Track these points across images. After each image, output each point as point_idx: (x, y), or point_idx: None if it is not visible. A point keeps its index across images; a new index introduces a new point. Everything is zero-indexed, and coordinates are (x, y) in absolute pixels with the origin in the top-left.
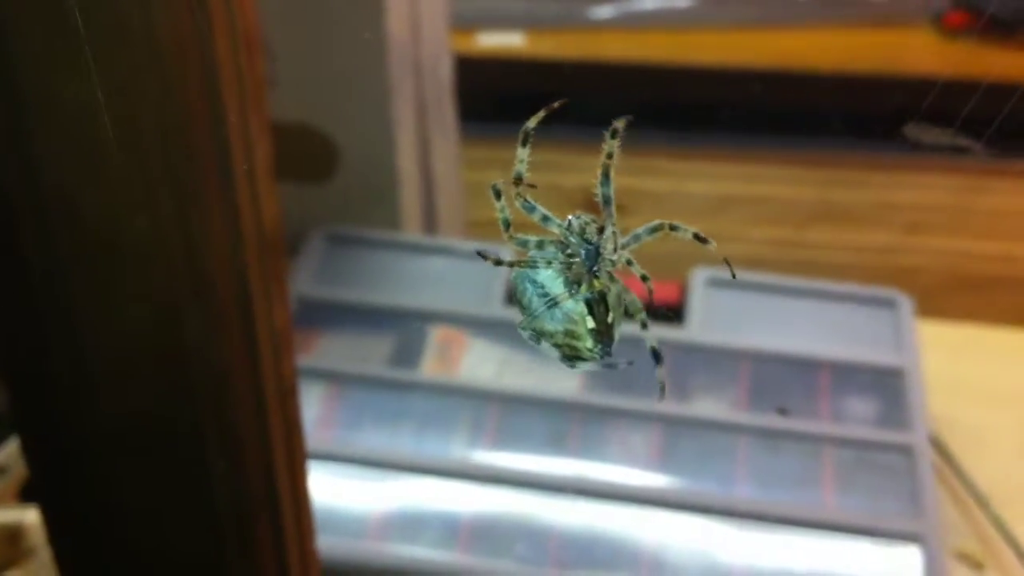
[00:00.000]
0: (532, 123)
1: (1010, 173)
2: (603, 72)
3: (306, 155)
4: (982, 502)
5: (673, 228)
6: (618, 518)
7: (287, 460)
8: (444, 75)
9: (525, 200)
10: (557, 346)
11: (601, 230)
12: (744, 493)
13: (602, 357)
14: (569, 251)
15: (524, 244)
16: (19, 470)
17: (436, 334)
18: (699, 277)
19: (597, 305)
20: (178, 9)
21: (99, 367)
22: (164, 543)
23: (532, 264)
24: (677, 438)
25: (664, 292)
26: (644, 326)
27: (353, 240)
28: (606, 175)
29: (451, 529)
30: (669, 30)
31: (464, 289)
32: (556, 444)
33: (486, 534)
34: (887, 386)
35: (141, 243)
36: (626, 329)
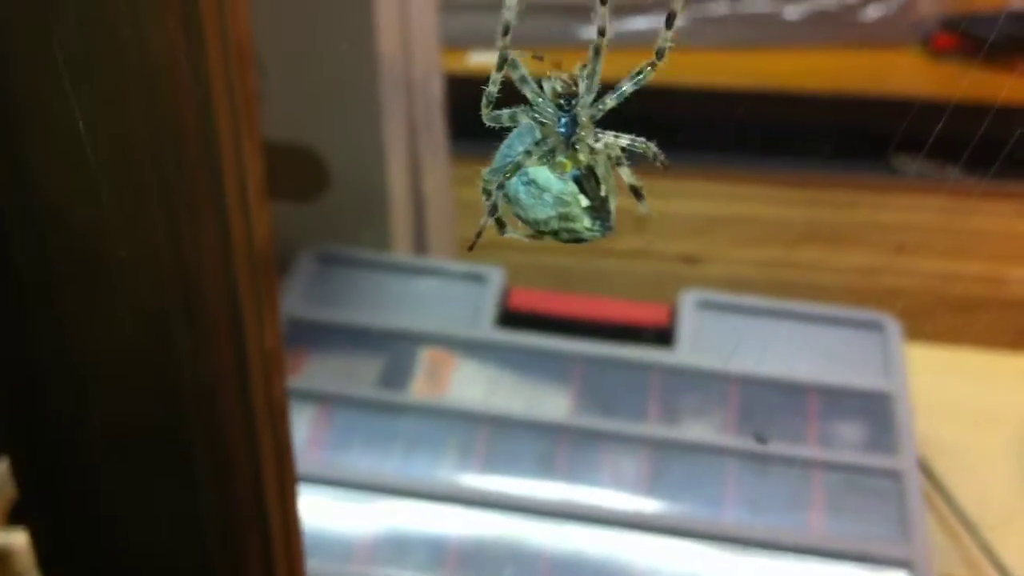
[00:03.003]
0: (510, 17)
1: (996, 194)
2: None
3: (296, 174)
4: (970, 527)
5: (659, 56)
6: (607, 542)
7: (277, 482)
8: (435, 94)
9: (509, 58)
10: (554, 233)
11: (575, 95)
12: (733, 517)
13: (603, 234)
14: (542, 119)
15: (498, 119)
16: (7, 492)
17: (425, 355)
18: (688, 299)
19: (587, 181)
20: (170, 23)
21: (89, 384)
22: (153, 564)
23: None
24: (666, 462)
25: (653, 314)
26: (618, 162)
27: (343, 260)
28: (596, 51)
29: (439, 552)
30: None
31: (454, 310)
32: (545, 467)
33: (474, 558)
34: (875, 410)
35: (132, 259)
36: (612, 352)
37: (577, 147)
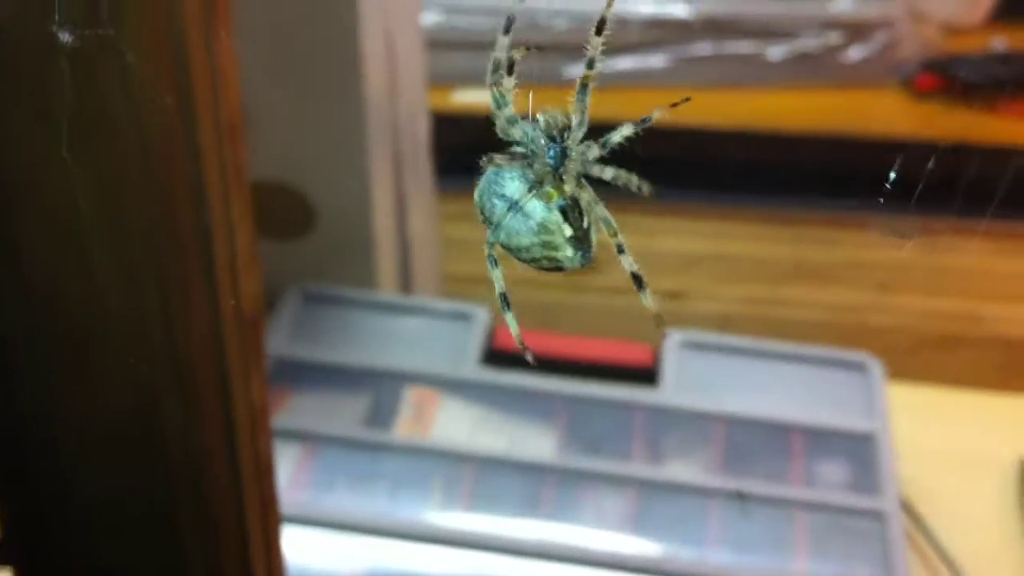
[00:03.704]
0: (517, 56)
1: (978, 233)
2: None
3: (282, 212)
4: (954, 568)
5: (590, 66)
6: None
7: (263, 537)
8: (421, 133)
9: (500, 93)
10: (535, 260)
11: (567, 128)
12: (717, 558)
13: (583, 264)
14: (532, 148)
15: (506, 131)
16: None
17: (410, 394)
18: (673, 339)
19: (572, 211)
20: (164, 99)
21: (77, 449)
22: None
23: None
24: (650, 501)
25: (637, 354)
26: (621, 250)
27: (328, 298)
28: (583, 87)
29: None
30: (643, 89)
31: (439, 348)
32: (530, 507)
33: None
34: (858, 451)
35: (122, 329)
36: (597, 391)
37: (564, 178)
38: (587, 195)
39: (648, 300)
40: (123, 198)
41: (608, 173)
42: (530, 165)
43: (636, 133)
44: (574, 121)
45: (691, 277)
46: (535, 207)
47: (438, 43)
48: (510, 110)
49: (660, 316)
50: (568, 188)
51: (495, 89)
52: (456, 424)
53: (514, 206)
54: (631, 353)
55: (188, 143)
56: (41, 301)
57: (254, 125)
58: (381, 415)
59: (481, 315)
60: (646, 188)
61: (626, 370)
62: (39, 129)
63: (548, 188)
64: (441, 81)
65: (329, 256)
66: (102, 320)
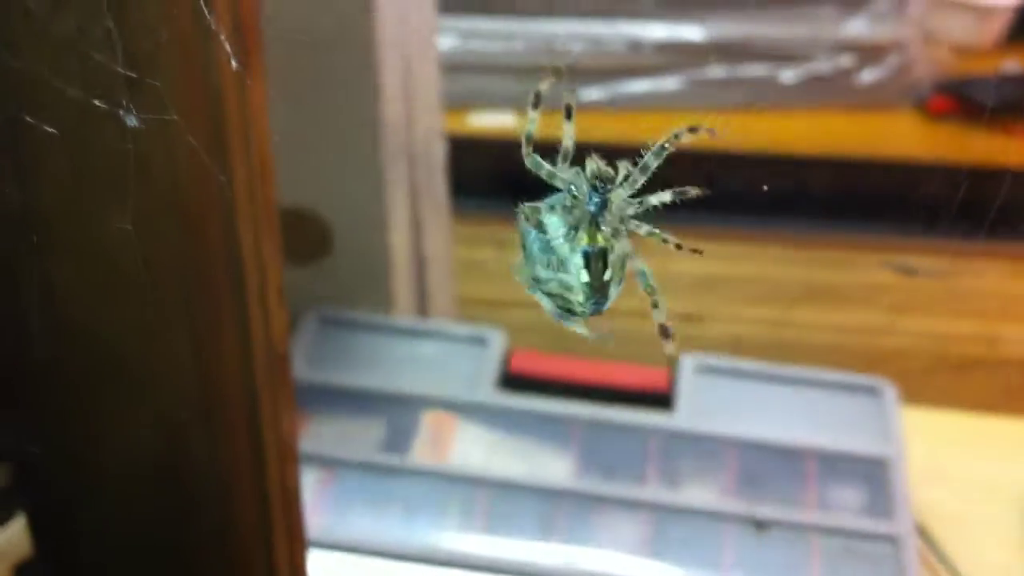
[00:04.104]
0: (544, 87)
1: (992, 255)
2: (592, 151)
3: (299, 238)
4: None
5: (692, 130)
6: None
7: (289, 568)
8: (437, 157)
9: (532, 156)
10: (551, 295)
11: (612, 179)
12: None
13: (592, 313)
14: (575, 193)
15: (538, 167)
16: (15, 552)
17: (427, 418)
18: (688, 364)
19: (595, 260)
20: (199, 151)
21: (109, 481)
22: None
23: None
24: (665, 525)
25: (653, 378)
26: (655, 305)
27: (345, 323)
28: (662, 147)
29: None
30: (657, 112)
31: (455, 373)
32: (546, 531)
33: None
34: (872, 475)
35: (155, 367)
36: (612, 416)
37: (601, 228)
38: (622, 247)
39: (671, 348)
40: (157, 236)
41: (643, 230)
42: (570, 209)
43: (674, 200)
44: (620, 174)
45: (705, 299)
46: (561, 244)
47: (454, 67)
48: (547, 167)
49: (675, 360)
50: (601, 239)
51: (528, 159)
52: (472, 448)
53: (541, 236)
54: (646, 378)
55: (221, 183)
56: (76, 335)
57: (272, 150)
58: (398, 439)
59: (497, 339)
60: (679, 244)
61: (641, 395)
62: (82, 178)
63: (583, 232)
64: (457, 104)
65: (346, 281)
66: (136, 354)
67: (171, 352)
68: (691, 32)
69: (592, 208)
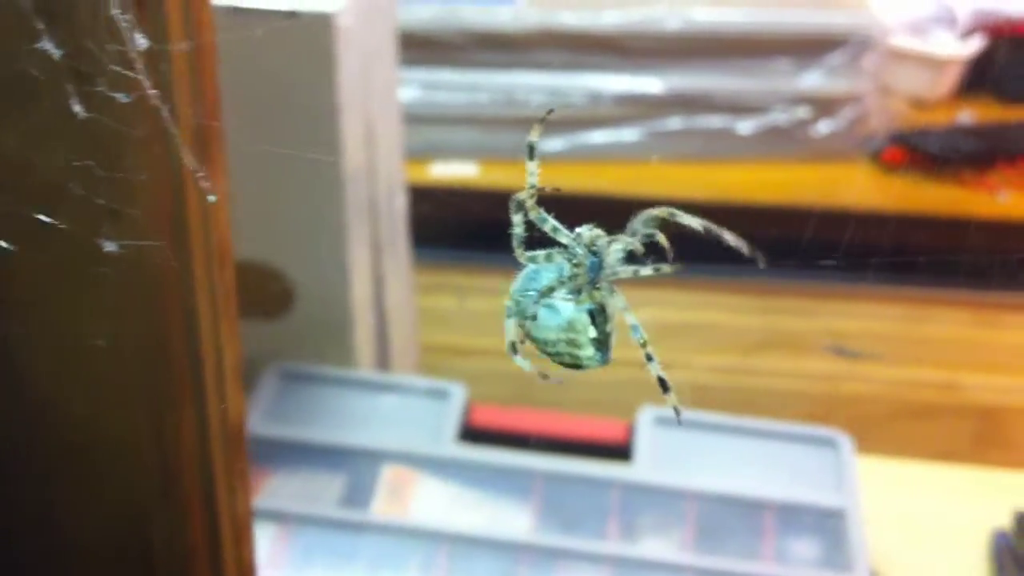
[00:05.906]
0: (534, 136)
1: (949, 302)
2: (553, 203)
3: (260, 292)
4: None
5: (672, 216)
6: None
7: None
8: (399, 209)
9: (539, 212)
10: (557, 355)
11: (606, 246)
12: None
13: (600, 364)
14: (575, 261)
15: (534, 259)
16: None
17: (387, 472)
18: (646, 416)
19: (599, 315)
20: (161, 236)
21: (70, 554)
22: None
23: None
24: None
25: (612, 430)
26: (649, 358)
27: (305, 377)
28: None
29: None
30: (616, 163)
31: (416, 426)
32: None
33: None
34: (829, 527)
35: (116, 442)
36: (572, 468)
37: (599, 287)
38: (617, 302)
39: (673, 399)
40: (120, 321)
41: (647, 270)
42: (570, 277)
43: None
44: (607, 239)
45: (664, 347)
46: (565, 306)
47: (415, 118)
48: (552, 222)
49: (679, 410)
50: (598, 296)
51: (534, 213)
52: (433, 502)
53: (541, 295)
54: (605, 429)
55: (181, 273)
56: (39, 412)
57: (232, 204)
58: (358, 494)
59: (457, 392)
60: (658, 267)
61: (601, 446)
62: (51, 271)
63: (583, 295)
64: (418, 155)
65: (308, 334)
66: (97, 433)
67: (131, 429)
68: (650, 84)
69: (591, 272)
